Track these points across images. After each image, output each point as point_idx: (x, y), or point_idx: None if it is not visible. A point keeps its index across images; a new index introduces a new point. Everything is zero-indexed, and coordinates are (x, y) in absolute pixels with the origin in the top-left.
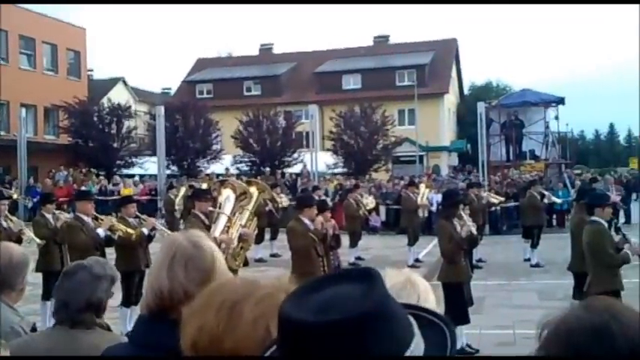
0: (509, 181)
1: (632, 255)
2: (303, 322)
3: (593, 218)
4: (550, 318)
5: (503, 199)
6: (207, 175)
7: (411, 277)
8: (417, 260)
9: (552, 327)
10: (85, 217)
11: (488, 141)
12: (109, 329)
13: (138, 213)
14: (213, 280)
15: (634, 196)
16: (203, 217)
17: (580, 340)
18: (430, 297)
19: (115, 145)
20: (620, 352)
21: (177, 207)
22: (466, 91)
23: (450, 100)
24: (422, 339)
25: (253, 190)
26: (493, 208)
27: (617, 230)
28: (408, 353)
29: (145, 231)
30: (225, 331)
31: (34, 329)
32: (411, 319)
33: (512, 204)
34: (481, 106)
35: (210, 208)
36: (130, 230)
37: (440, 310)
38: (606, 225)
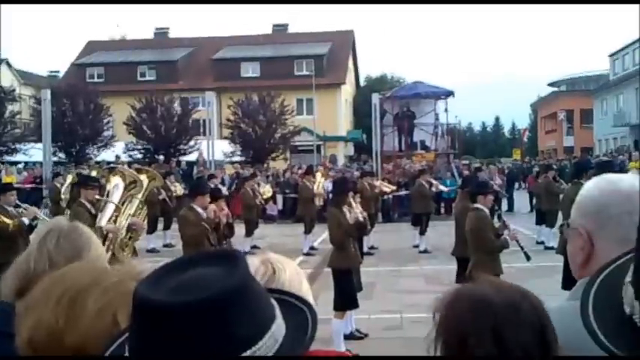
0: (401, 170)
1: (510, 241)
2: (161, 302)
3: (476, 205)
4: (442, 299)
5: (395, 187)
6: (97, 162)
7: (270, 259)
8: (312, 248)
9: (449, 305)
10: None
11: (382, 131)
12: None
13: (18, 202)
14: (82, 261)
15: (516, 185)
16: (89, 205)
17: (498, 316)
18: (294, 279)
19: None
20: (532, 326)
21: (63, 196)
22: (362, 83)
23: (347, 90)
24: (283, 321)
25: (144, 178)
26: (385, 197)
27: (498, 217)
28: (269, 334)
29: (26, 221)
30: (67, 325)
31: None
32: (273, 301)
33: (403, 192)
34: (375, 98)
35: (97, 197)
36: (6, 220)
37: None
38: (488, 212)
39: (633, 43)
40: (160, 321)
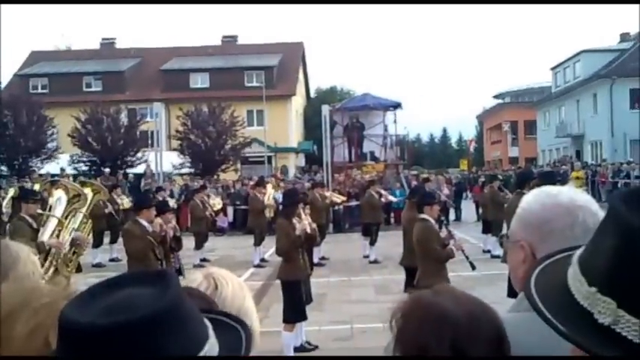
0: (352, 181)
1: (455, 250)
2: (88, 325)
3: (422, 216)
4: (400, 309)
5: (345, 198)
6: (41, 175)
7: (213, 274)
8: (262, 260)
9: (408, 315)
10: None
11: (332, 142)
12: None
13: None
14: (8, 279)
15: (464, 195)
16: (30, 219)
17: (457, 329)
18: (237, 294)
19: None
20: (490, 339)
21: (4, 210)
22: (312, 94)
23: (298, 102)
24: (216, 341)
25: (88, 191)
26: (336, 207)
27: (445, 227)
28: (202, 354)
29: None
30: None
31: None
32: (207, 321)
33: (354, 203)
34: (325, 109)
35: (39, 211)
36: None
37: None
38: (434, 222)
39: (574, 56)
40: (87, 343)
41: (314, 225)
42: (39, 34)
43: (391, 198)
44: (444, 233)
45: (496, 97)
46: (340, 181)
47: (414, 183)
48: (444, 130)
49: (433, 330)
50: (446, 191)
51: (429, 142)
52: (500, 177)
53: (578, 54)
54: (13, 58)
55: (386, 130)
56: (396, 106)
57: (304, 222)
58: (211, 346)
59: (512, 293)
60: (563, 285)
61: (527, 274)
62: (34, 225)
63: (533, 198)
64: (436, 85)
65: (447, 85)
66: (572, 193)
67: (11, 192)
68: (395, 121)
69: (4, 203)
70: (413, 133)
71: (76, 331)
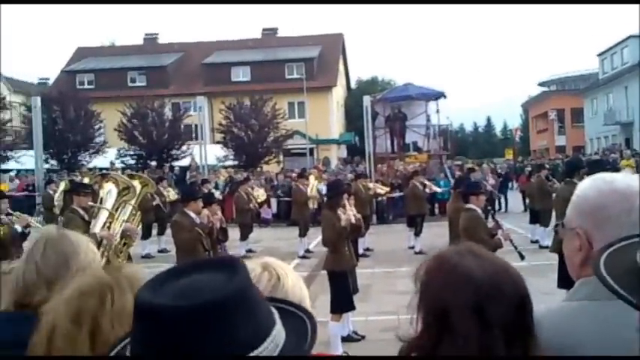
0: (395, 172)
1: (503, 240)
2: (162, 306)
3: (469, 206)
4: (424, 268)
5: (388, 189)
6: (90, 169)
7: (272, 264)
8: (307, 251)
9: (432, 274)
10: None
11: (374, 133)
12: None
13: (10, 210)
14: (71, 268)
15: (509, 185)
16: (82, 212)
17: (480, 291)
18: (295, 284)
19: None
20: (513, 301)
21: (56, 203)
22: (353, 85)
23: (339, 93)
24: (283, 328)
25: (136, 184)
26: (380, 198)
27: (492, 217)
28: (270, 339)
29: (18, 228)
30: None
31: None
32: (273, 309)
33: (397, 194)
34: (367, 100)
35: (91, 203)
36: None
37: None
38: (481, 212)
39: (621, 42)
40: (161, 325)
41: (359, 216)
42: (85, 31)
43: (435, 188)
44: (490, 223)
45: (541, 84)
46: (383, 172)
47: (457, 173)
48: (488, 119)
49: (456, 289)
50: (491, 181)
51: (473, 132)
52: (547, 166)
53: (625, 39)
54: (60, 55)
55: (429, 120)
56: (439, 95)
57: (349, 213)
58: (278, 332)
59: (562, 284)
60: (637, 268)
61: (583, 261)
62: (86, 217)
63: (588, 185)
64: (480, 73)
65: (491, 73)
66: (629, 180)
67: (62, 185)
68: (438, 111)
69: (55, 196)
70: (456, 123)
71: (147, 312)
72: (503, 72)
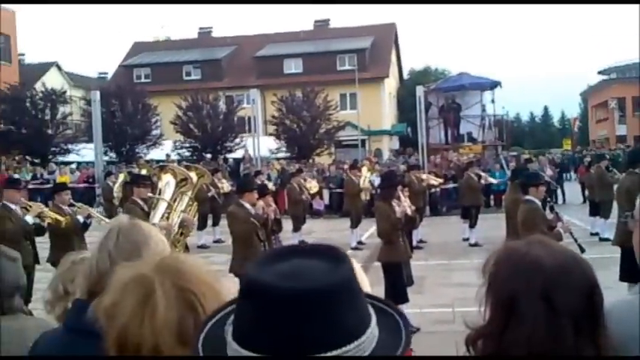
0: (449, 163)
1: (564, 233)
2: (270, 286)
3: (527, 197)
4: (494, 257)
5: (442, 180)
6: (147, 161)
7: None
8: (359, 242)
9: (501, 263)
10: (13, 206)
11: (428, 124)
12: (30, 314)
13: (72, 201)
14: (143, 257)
15: (567, 176)
16: (142, 203)
17: (548, 278)
18: (361, 275)
19: (50, 131)
20: (582, 290)
21: (115, 194)
22: (405, 76)
23: (391, 84)
24: (376, 323)
25: (193, 175)
26: (433, 190)
27: (551, 209)
28: (370, 330)
29: (80, 218)
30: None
31: None
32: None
33: (451, 185)
34: (420, 90)
35: (150, 194)
36: (59, 217)
37: (380, 289)
38: (540, 204)
39: None
40: (267, 302)
41: (413, 207)
42: (141, 26)
43: (491, 180)
44: (550, 215)
45: (601, 72)
46: (436, 164)
47: (512, 164)
48: (546, 109)
49: (525, 278)
50: (549, 172)
51: (529, 122)
52: (607, 156)
53: None
54: (118, 50)
55: (484, 110)
56: (494, 85)
57: (404, 204)
58: (374, 326)
59: (624, 277)
60: None
61: None
62: (146, 208)
63: None
64: (536, 61)
65: (548, 62)
66: None
67: (121, 177)
68: (493, 101)
69: (115, 188)
70: (512, 113)
71: (255, 289)
72: (561, 60)
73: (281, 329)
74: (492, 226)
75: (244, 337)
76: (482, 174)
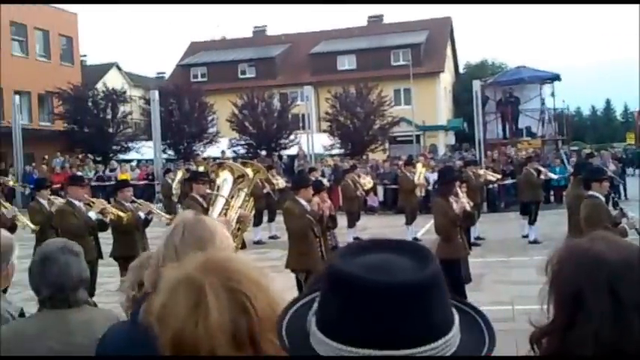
0: (507, 158)
1: (629, 229)
2: (360, 278)
3: (591, 193)
4: (557, 254)
5: (500, 176)
6: (204, 158)
7: None
8: (415, 239)
9: (564, 261)
10: (77, 202)
11: (485, 119)
12: (95, 306)
13: (134, 197)
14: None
15: (630, 171)
16: (201, 199)
17: (613, 272)
18: None
19: (111, 130)
20: None
21: (174, 191)
22: (461, 70)
23: (446, 79)
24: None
25: (249, 171)
26: (490, 186)
27: (615, 205)
28: (455, 327)
29: (142, 215)
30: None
31: (22, 315)
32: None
33: (509, 181)
34: (476, 84)
35: (208, 191)
36: (121, 214)
37: None
38: (603, 199)
39: None
40: (363, 296)
41: (471, 203)
42: (197, 26)
43: (551, 175)
44: (614, 211)
45: None
46: (494, 159)
47: (573, 159)
48: (608, 102)
49: (589, 273)
50: (612, 167)
51: (591, 116)
52: None
53: None
54: (175, 50)
55: (543, 103)
56: (554, 78)
57: (462, 200)
58: (457, 324)
59: None
60: None
61: None
62: (204, 204)
63: None
64: (597, 53)
65: (610, 53)
66: None
67: (179, 174)
68: (553, 94)
69: (173, 185)
70: (572, 106)
71: (340, 279)
72: (624, 52)
73: (372, 322)
74: (552, 223)
75: (331, 328)
76: (542, 169)
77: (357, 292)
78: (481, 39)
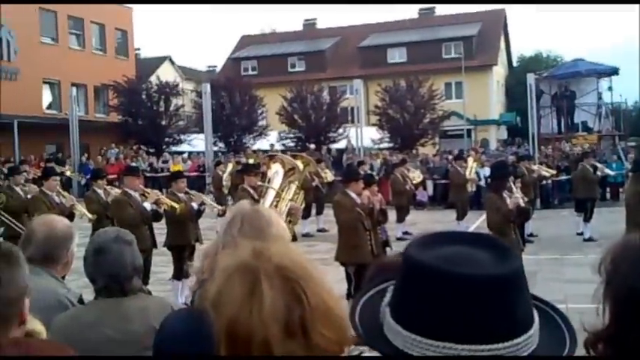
0: (562, 153)
1: None
2: (438, 269)
3: None
4: (610, 252)
5: (554, 172)
6: (254, 151)
7: None
8: None
9: (619, 259)
10: (133, 192)
11: (539, 113)
12: (149, 293)
13: (187, 189)
14: (264, 240)
15: None
16: (252, 191)
17: None
18: None
19: (164, 122)
20: None
21: (224, 183)
22: (515, 63)
23: (499, 72)
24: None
25: (299, 163)
26: (544, 182)
27: None
28: (534, 328)
29: (195, 205)
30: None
31: (80, 301)
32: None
33: (564, 177)
34: (531, 78)
35: (259, 183)
36: (175, 204)
37: None
38: None
39: None
40: (445, 288)
41: (525, 199)
42: (247, 20)
43: (608, 171)
44: None
45: None
46: (548, 154)
47: (631, 156)
48: None
49: None
50: None
51: None
52: None
53: None
54: (226, 43)
55: (600, 98)
56: (612, 71)
57: (516, 196)
58: (537, 322)
59: None
60: None
61: None
62: (255, 196)
63: None
64: None
65: None
66: None
67: (230, 167)
68: (610, 88)
69: (224, 177)
70: (630, 101)
71: (417, 268)
72: None
73: (453, 315)
74: (608, 221)
75: (409, 320)
76: (599, 165)
77: (438, 283)
78: (535, 31)
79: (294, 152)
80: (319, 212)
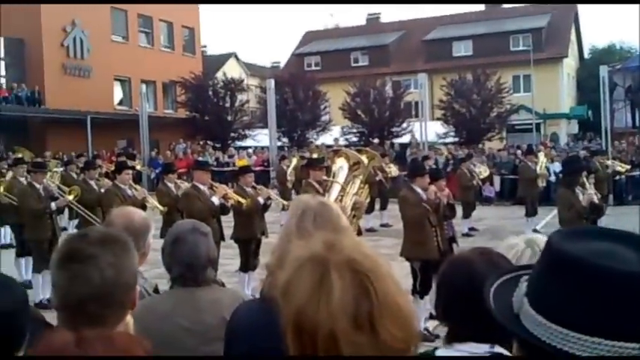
0: (637, 148)
1: None
2: (590, 262)
3: None
4: None
5: (629, 167)
6: (317, 146)
7: (533, 241)
8: (535, 231)
9: None
10: (202, 186)
11: (612, 106)
12: (222, 285)
13: (254, 183)
14: (335, 231)
15: None
16: (317, 185)
17: None
18: None
19: (229, 118)
20: None
21: (289, 177)
22: (586, 55)
23: (570, 64)
24: None
25: (364, 158)
26: (617, 177)
27: None
28: None
29: (261, 200)
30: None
31: (156, 290)
32: None
33: (638, 172)
34: (604, 70)
35: (324, 177)
36: (241, 199)
37: None
38: None
39: None
40: (595, 282)
41: (599, 195)
42: (311, 16)
43: None
44: None
45: None
46: (621, 149)
47: None
48: None
49: None
50: None
51: None
52: None
53: None
54: (290, 39)
55: None
56: None
57: (590, 192)
58: None
59: None
60: None
61: None
62: (320, 190)
63: None
64: None
65: None
66: None
67: (294, 161)
68: None
69: (288, 172)
70: None
71: (574, 265)
72: None
73: (604, 310)
74: None
75: (552, 311)
76: None
77: (589, 277)
78: (609, 21)
79: (358, 147)
80: (383, 207)
